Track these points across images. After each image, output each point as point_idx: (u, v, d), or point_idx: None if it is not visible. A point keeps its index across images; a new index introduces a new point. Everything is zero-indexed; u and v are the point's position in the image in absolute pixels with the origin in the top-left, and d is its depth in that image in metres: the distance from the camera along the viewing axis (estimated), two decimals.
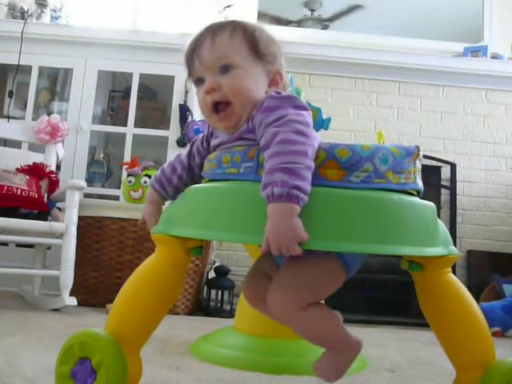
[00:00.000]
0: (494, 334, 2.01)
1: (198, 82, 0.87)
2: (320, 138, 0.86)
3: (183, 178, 0.95)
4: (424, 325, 0.97)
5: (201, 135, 0.97)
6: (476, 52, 3.04)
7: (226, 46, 0.84)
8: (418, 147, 0.83)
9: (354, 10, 3.18)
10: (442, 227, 0.87)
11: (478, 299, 2.48)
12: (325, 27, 3.29)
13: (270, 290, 0.82)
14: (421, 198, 0.84)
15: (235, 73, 0.83)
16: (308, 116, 0.79)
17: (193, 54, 0.86)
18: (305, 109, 0.80)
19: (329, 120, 1.33)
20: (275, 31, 0.91)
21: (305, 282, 0.81)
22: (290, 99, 0.80)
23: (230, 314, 2.09)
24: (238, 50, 0.84)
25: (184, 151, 0.99)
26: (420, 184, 0.85)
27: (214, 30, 0.85)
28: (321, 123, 1.33)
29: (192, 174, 0.96)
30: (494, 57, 3.02)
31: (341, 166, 0.76)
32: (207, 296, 2.37)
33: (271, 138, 0.74)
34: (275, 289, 0.82)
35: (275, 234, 0.70)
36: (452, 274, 0.90)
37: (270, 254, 0.93)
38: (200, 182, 0.92)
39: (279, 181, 0.70)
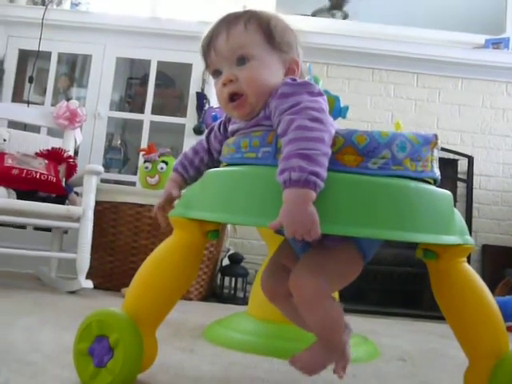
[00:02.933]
0: (508, 329, 2.00)
1: (216, 73, 0.88)
2: (337, 125, 0.87)
3: (204, 160, 0.98)
4: (436, 318, 0.97)
5: (219, 120, 0.98)
6: (497, 44, 3.00)
7: (242, 37, 0.84)
8: (436, 135, 0.83)
9: None
10: (458, 216, 0.87)
11: (491, 294, 2.46)
12: (333, 15, 3.25)
13: (295, 272, 0.81)
14: None
15: (251, 64, 0.84)
16: (323, 102, 0.78)
17: (209, 46, 0.86)
18: (320, 95, 0.79)
19: (346, 108, 1.33)
20: (292, 20, 0.90)
21: (330, 267, 0.81)
22: (304, 86, 0.80)
23: (244, 302, 2.11)
24: (253, 41, 0.84)
25: (201, 139, 1.01)
26: (437, 172, 0.84)
27: (229, 22, 0.85)
28: (338, 111, 1.32)
29: (211, 157, 0.98)
30: None
31: (358, 152, 0.75)
32: (221, 283, 2.39)
33: (287, 125, 0.74)
34: (302, 270, 0.80)
35: (290, 219, 0.70)
36: (467, 264, 0.90)
37: (286, 245, 0.95)
38: (217, 166, 0.93)
39: (297, 166, 0.69)
